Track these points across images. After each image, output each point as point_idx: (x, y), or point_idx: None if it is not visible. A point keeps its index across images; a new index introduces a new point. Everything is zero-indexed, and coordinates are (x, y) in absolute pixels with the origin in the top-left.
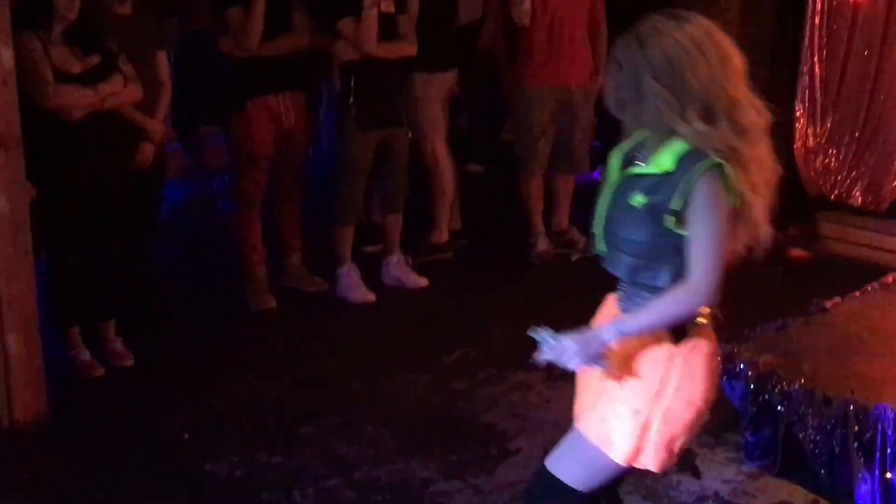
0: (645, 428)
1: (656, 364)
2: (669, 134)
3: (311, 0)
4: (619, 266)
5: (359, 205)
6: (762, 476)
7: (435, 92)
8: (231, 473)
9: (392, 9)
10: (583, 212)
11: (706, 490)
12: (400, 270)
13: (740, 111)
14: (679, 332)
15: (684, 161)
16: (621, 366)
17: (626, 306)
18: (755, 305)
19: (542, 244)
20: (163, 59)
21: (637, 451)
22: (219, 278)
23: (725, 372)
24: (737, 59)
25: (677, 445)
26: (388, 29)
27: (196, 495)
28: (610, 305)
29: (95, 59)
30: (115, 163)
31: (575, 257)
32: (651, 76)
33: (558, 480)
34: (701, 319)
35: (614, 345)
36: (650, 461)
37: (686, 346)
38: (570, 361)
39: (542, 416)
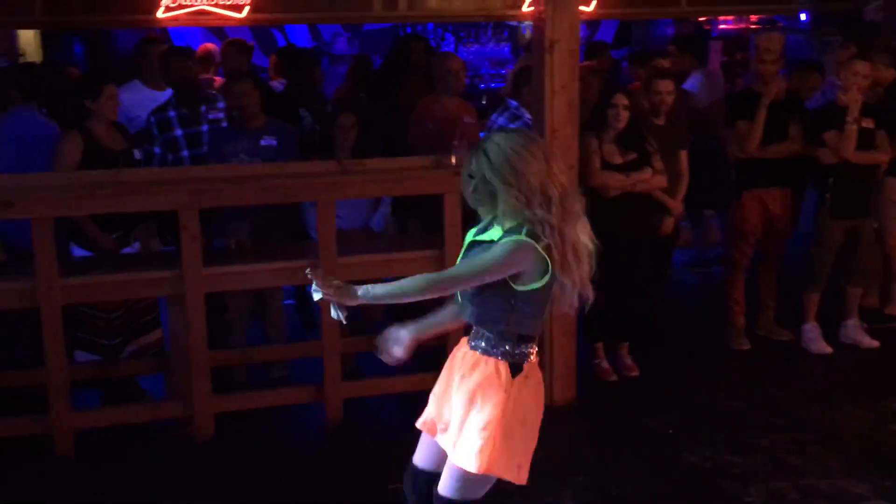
0: (493, 440)
1: (498, 392)
2: (511, 217)
3: (804, 116)
4: (469, 313)
5: (826, 276)
6: None
7: None
8: (702, 464)
9: (872, 125)
10: None
11: None
12: (856, 332)
13: (568, 199)
14: (515, 367)
15: (506, 234)
16: (476, 394)
17: (477, 344)
18: None
19: None
20: (684, 157)
21: (490, 461)
22: (705, 324)
23: None
24: (557, 159)
25: (519, 457)
26: (865, 140)
27: (670, 476)
28: (463, 345)
29: (633, 155)
30: (643, 229)
31: None
32: (500, 181)
33: (450, 500)
34: (531, 357)
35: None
36: (503, 471)
37: (520, 378)
38: (332, 305)
39: None
